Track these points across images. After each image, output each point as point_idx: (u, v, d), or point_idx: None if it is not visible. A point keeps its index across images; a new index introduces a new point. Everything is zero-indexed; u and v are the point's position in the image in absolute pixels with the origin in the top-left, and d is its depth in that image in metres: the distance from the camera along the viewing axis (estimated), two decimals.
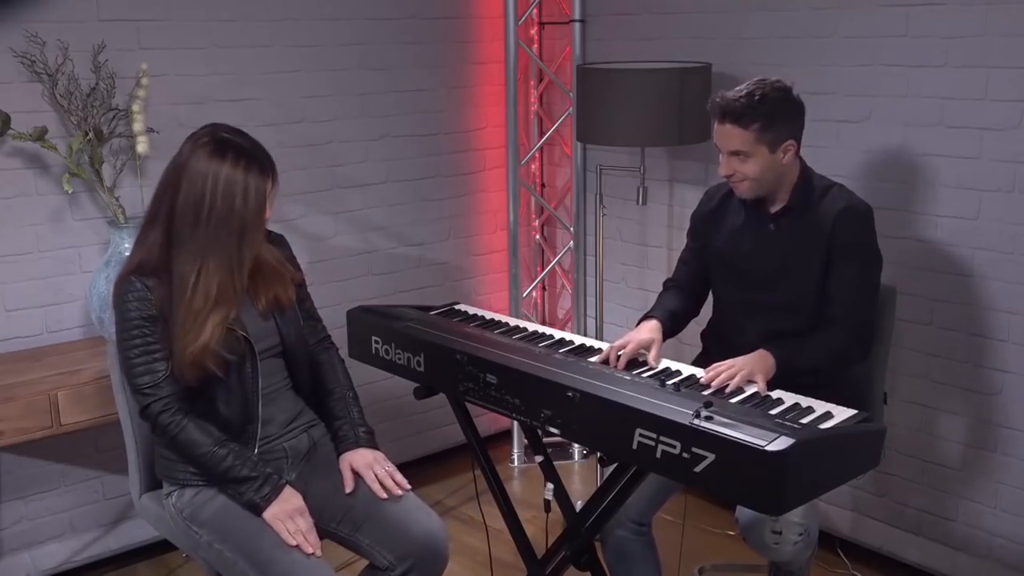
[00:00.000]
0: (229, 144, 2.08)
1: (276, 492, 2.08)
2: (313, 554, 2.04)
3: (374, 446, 2.28)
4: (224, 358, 2.09)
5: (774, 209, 2.40)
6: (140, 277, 2.08)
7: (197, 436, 2.07)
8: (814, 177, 2.41)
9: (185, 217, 2.05)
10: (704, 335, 2.64)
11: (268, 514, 2.06)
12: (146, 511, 2.37)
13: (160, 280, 2.08)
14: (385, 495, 2.17)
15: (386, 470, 2.21)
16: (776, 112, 2.27)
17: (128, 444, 2.37)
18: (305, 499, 2.13)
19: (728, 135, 2.30)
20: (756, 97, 2.26)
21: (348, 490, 2.19)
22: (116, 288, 2.11)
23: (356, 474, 2.21)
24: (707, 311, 2.65)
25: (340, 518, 2.19)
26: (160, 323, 2.07)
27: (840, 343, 2.32)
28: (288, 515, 2.06)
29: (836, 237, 2.33)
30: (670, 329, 2.47)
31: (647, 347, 2.32)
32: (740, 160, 2.31)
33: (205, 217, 2.04)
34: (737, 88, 2.30)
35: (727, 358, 2.19)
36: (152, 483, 2.36)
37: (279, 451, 2.22)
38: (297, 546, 2.03)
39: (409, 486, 2.21)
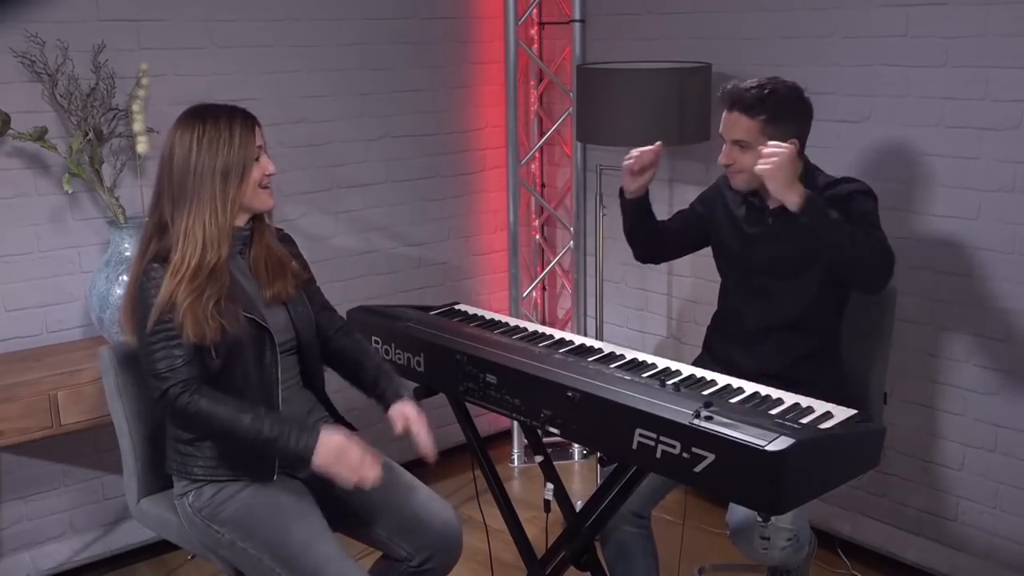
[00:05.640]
0: (202, 107, 2.10)
1: (315, 436, 1.99)
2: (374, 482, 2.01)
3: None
4: (239, 338, 2.06)
5: (774, 205, 2.41)
6: (159, 263, 2.05)
7: (215, 408, 2.00)
8: (819, 177, 2.41)
9: (178, 180, 2.05)
10: (708, 329, 2.65)
11: (318, 462, 1.99)
12: (146, 515, 2.34)
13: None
14: (428, 452, 2.13)
15: (424, 432, 2.17)
16: (783, 108, 2.32)
17: (124, 448, 2.34)
18: (331, 491, 2.10)
19: (734, 123, 2.34)
20: (767, 90, 2.31)
21: (397, 432, 2.16)
22: (137, 280, 2.07)
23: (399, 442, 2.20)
24: (712, 306, 2.66)
25: (355, 510, 2.18)
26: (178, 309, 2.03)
27: (873, 241, 2.25)
28: (336, 456, 1.99)
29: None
30: (646, 211, 2.59)
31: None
32: (740, 150, 2.35)
33: (193, 169, 2.04)
34: (751, 80, 2.35)
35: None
36: (152, 487, 2.35)
37: None
38: (358, 482, 1.99)
39: (434, 458, 2.16)
